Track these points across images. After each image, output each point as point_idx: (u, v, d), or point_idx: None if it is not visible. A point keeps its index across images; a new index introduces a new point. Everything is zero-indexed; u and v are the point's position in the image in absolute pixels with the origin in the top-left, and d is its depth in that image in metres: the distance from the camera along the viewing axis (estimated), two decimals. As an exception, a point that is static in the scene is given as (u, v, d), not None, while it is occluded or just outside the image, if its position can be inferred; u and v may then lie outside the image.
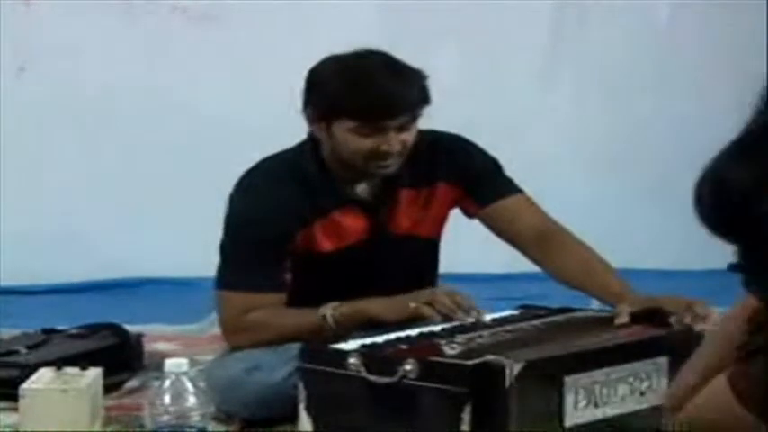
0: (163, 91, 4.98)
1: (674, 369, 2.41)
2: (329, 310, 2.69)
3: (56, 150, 5.01)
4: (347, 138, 2.71)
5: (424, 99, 2.74)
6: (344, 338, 2.57)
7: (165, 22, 5.03)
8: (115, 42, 4.97)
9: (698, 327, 2.50)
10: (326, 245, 2.79)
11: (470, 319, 2.59)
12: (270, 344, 2.72)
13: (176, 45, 5.03)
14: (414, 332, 2.48)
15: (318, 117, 2.74)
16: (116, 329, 3.31)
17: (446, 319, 2.59)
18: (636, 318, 2.55)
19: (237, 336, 2.79)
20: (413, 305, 2.61)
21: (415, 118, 2.74)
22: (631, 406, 2.37)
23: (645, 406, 2.39)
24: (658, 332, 2.49)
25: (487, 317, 2.65)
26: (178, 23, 5.04)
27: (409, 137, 2.74)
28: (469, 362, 2.17)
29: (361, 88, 2.69)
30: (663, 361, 2.43)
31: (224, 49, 5.02)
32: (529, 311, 2.74)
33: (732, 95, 5.33)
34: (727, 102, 5.35)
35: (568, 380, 2.25)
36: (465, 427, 2.13)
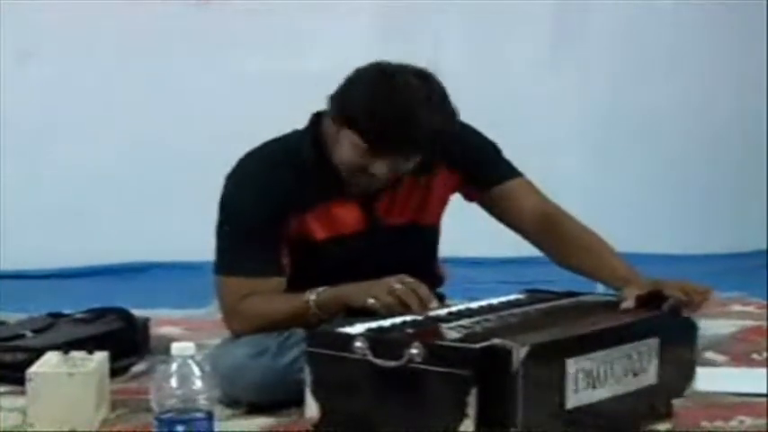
0: (169, 76, 4.99)
1: (663, 350, 2.47)
2: (312, 296, 2.68)
3: (61, 135, 5.03)
4: (347, 148, 2.65)
5: (435, 154, 2.69)
6: (329, 322, 2.57)
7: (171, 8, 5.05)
8: (120, 28, 4.99)
9: (686, 312, 2.55)
10: (321, 233, 2.78)
11: (428, 313, 2.50)
12: (265, 329, 2.73)
13: (182, 30, 5.04)
14: (420, 316, 2.48)
15: (336, 116, 2.67)
16: (122, 314, 3.32)
17: (391, 315, 2.50)
18: (641, 302, 2.55)
19: (236, 321, 2.79)
20: (371, 301, 2.55)
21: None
22: (626, 387, 2.39)
23: (638, 386, 2.43)
24: (649, 314, 2.52)
25: (443, 310, 2.57)
26: (186, 9, 5.06)
27: (406, 167, 2.69)
28: (476, 345, 2.17)
29: (383, 117, 2.57)
30: (654, 342, 2.46)
31: (226, 39, 5.04)
32: (534, 295, 2.74)
33: (736, 81, 5.38)
34: (731, 88, 5.39)
35: (570, 362, 2.26)
36: (471, 410, 2.13)
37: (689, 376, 2.60)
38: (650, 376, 2.46)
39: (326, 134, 2.73)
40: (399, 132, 2.57)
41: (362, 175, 2.67)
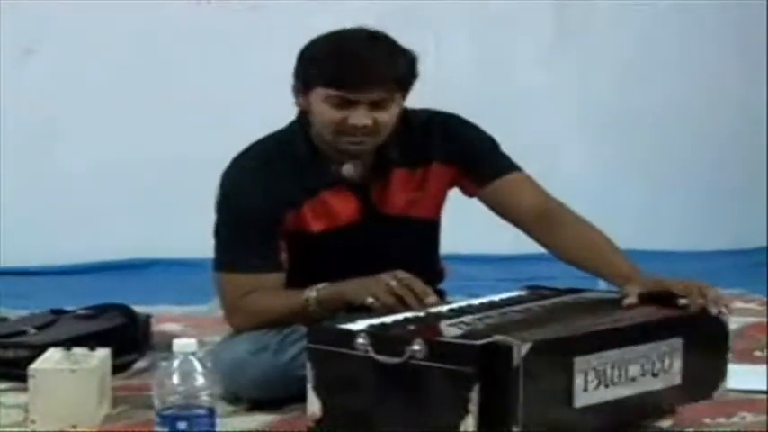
0: (170, 75, 4.98)
1: (688, 351, 2.43)
2: (313, 293, 2.68)
3: (62, 132, 5.02)
4: (321, 108, 2.68)
5: (403, 78, 2.70)
6: (330, 319, 2.58)
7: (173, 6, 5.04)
8: (120, 27, 4.98)
9: (712, 310, 2.49)
10: (317, 225, 2.78)
11: (429, 309, 2.50)
12: (266, 326, 2.73)
13: (184, 28, 5.03)
14: (421, 312, 2.48)
15: (300, 88, 2.73)
16: (124, 310, 3.32)
17: (390, 312, 2.50)
18: (643, 299, 2.54)
19: (236, 318, 2.79)
20: (370, 300, 2.56)
21: (392, 96, 2.69)
22: (644, 387, 2.36)
23: (658, 387, 2.39)
24: (673, 313, 2.47)
25: (444, 307, 2.56)
26: (189, 7, 5.06)
27: (385, 116, 2.68)
28: (477, 342, 2.17)
29: (337, 55, 2.67)
30: (678, 342, 2.42)
31: (227, 37, 5.03)
32: (536, 292, 2.73)
33: (738, 80, 5.37)
34: (733, 86, 5.38)
35: (578, 361, 2.25)
36: (472, 407, 2.13)
37: (718, 377, 2.54)
38: (673, 377, 2.42)
39: (309, 119, 2.75)
40: (353, 60, 2.64)
41: (347, 134, 2.67)
